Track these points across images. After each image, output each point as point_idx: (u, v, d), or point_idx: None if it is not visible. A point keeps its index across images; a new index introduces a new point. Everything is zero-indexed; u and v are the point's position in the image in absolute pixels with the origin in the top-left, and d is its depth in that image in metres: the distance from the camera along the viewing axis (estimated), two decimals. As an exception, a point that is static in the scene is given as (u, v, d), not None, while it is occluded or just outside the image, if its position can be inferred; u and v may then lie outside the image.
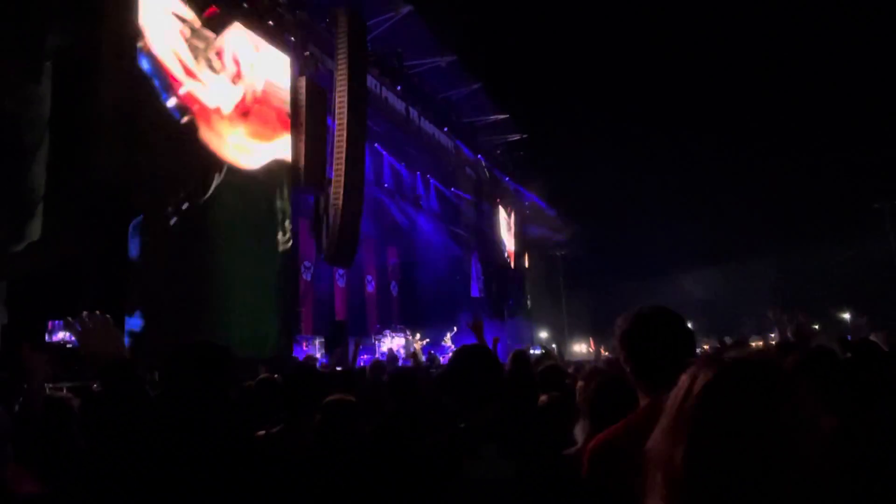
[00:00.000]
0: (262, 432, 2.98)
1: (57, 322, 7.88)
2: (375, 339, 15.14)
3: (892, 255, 23.68)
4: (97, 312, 1.97)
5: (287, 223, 13.03)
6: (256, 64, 12.73)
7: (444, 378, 2.04)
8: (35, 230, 8.62)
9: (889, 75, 27.08)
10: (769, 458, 0.82)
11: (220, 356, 1.74)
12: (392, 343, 14.95)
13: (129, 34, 9.93)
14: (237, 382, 4.51)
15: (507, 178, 26.84)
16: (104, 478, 1.54)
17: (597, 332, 21.87)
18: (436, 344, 16.91)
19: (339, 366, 7.35)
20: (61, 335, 7.85)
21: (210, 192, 11.37)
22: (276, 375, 4.26)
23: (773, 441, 0.82)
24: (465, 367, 1.97)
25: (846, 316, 19.43)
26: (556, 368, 3.95)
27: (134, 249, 9.63)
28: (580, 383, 2.49)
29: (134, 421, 1.74)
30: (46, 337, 7.83)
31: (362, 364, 9.19)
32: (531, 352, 10.93)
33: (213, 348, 1.77)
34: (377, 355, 13.20)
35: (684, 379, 0.93)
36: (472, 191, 24.92)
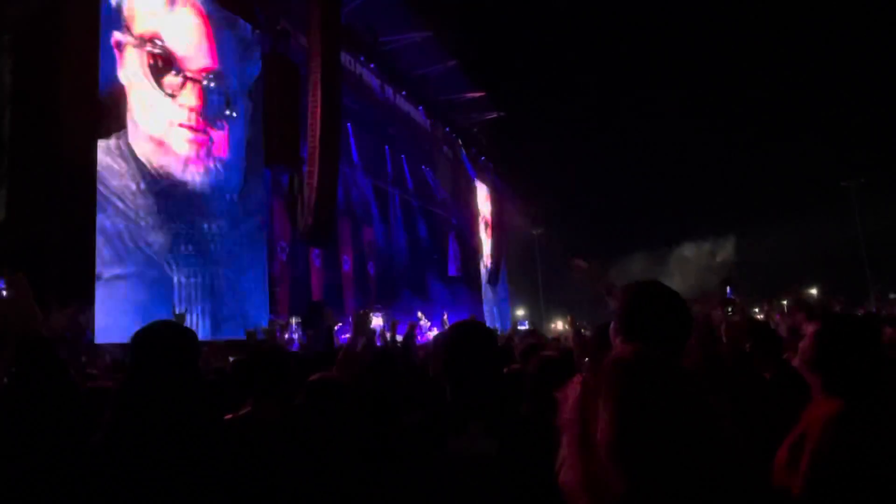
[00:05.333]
0: (230, 416, 2.96)
1: None
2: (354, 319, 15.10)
3: (858, 233, 24.36)
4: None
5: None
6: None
7: (439, 356, 2.01)
8: (-1, 210, 8.36)
9: (857, 53, 27.53)
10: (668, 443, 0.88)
11: (185, 338, 1.70)
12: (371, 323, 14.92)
13: (94, 5, 9.57)
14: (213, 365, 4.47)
15: (482, 158, 26.78)
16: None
17: (573, 310, 22.12)
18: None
19: (315, 346, 7.32)
20: None
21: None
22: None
23: (671, 428, 0.88)
24: (462, 344, 1.93)
25: (813, 292, 20.00)
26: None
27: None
28: None
29: (56, 406, 1.62)
30: None
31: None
32: (518, 328, 11.06)
33: (179, 330, 1.72)
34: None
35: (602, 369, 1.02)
36: (449, 169, 24.83)
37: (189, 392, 1.63)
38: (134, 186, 10.26)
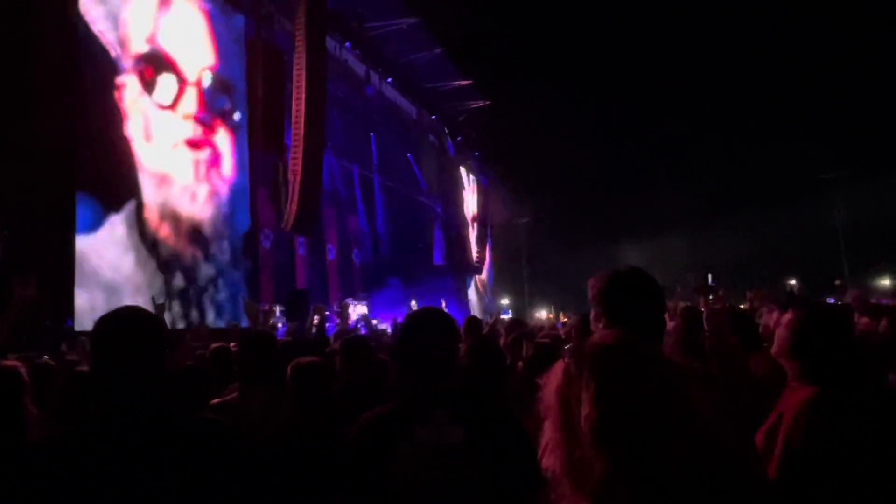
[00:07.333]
0: (217, 401, 2.96)
1: None
2: (338, 309, 15.05)
3: (837, 225, 24.78)
4: None
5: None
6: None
7: (395, 344, 1.98)
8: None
9: (837, 47, 27.79)
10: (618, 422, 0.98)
11: (148, 324, 1.65)
12: (355, 312, 14.87)
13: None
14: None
15: (469, 146, 26.73)
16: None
17: (558, 299, 22.30)
18: (399, 312, 16.94)
19: (297, 334, 7.30)
20: None
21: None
22: (231, 344, 4.21)
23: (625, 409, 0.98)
24: (417, 332, 1.90)
25: (793, 282, 20.37)
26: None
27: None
28: None
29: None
30: None
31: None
32: (501, 317, 11.13)
33: (142, 316, 1.68)
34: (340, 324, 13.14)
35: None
36: (435, 157, 24.75)
37: (151, 380, 1.59)
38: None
